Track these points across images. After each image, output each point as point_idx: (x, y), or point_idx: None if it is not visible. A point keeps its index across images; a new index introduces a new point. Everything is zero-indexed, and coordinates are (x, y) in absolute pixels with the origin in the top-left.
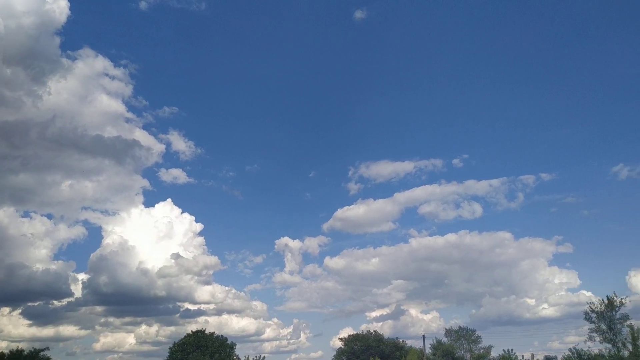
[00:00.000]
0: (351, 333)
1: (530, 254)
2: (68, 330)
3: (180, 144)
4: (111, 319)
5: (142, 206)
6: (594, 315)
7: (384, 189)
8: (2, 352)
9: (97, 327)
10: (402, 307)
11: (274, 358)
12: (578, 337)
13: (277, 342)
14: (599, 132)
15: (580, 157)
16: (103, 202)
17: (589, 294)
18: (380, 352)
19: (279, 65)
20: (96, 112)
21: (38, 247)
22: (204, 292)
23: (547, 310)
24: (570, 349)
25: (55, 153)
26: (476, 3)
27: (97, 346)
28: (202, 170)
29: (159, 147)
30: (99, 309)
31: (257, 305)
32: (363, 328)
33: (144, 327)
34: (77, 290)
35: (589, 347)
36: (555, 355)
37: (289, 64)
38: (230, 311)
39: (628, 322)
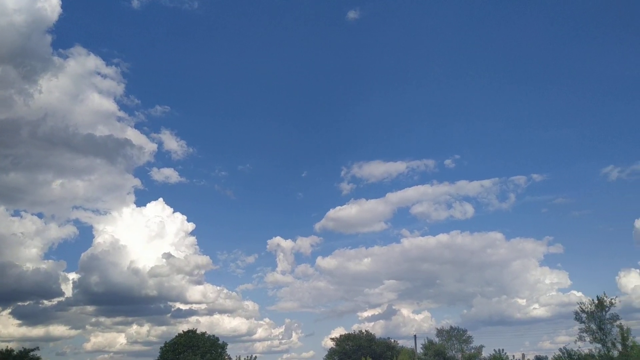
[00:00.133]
0: (343, 333)
1: (521, 255)
2: (58, 330)
3: (172, 143)
4: (102, 319)
5: (134, 205)
6: (584, 315)
7: (376, 189)
8: None
9: (87, 326)
10: (393, 307)
11: (266, 358)
12: (568, 337)
13: (269, 342)
14: (589, 134)
15: (571, 158)
16: (94, 201)
17: (579, 294)
18: (371, 352)
19: (272, 65)
20: (88, 111)
21: (28, 246)
22: (196, 292)
23: (537, 311)
24: (560, 349)
25: (46, 152)
26: (468, 5)
27: (88, 346)
28: (194, 169)
29: (151, 146)
30: (89, 308)
31: (249, 305)
32: (355, 328)
33: (135, 327)
34: (68, 290)
35: (579, 347)
36: (546, 355)
37: (282, 64)
38: (222, 311)
39: (618, 322)
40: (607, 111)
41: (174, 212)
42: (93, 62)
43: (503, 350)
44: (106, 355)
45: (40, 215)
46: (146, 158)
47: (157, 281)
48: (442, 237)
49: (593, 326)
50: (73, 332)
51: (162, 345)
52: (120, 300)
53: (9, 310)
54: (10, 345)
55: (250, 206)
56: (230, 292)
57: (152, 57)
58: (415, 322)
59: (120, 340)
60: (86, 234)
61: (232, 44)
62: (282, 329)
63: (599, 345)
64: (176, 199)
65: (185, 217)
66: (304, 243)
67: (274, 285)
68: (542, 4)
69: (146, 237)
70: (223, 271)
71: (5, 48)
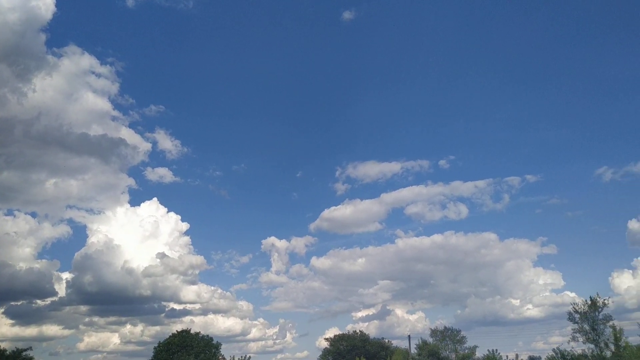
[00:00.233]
0: (337, 333)
1: (515, 255)
2: (51, 329)
3: (167, 142)
4: (95, 319)
5: (128, 205)
6: (577, 315)
7: (371, 190)
8: None
9: (81, 326)
10: (387, 307)
11: (260, 358)
12: (562, 338)
13: (263, 342)
14: (583, 135)
15: (564, 159)
16: (88, 200)
17: (572, 294)
18: (365, 352)
19: (267, 65)
20: (82, 110)
21: (22, 246)
22: (190, 292)
23: (531, 311)
24: (554, 349)
25: (40, 151)
26: (462, 7)
27: (81, 346)
28: (189, 169)
29: (145, 146)
30: (83, 308)
31: (243, 305)
32: (349, 328)
33: (128, 326)
34: (61, 290)
35: (572, 348)
36: (539, 356)
37: (277, 64)
38: (216, 311)
39: (610, 323)
40: (601, 113)
41: (168, 211)
42: (87, 61)
43: (497, 350)
44: (99, 355)
45: (33, 215)
46: (140, 157)
47: (151, 281)
48: (437, 238)
49: (586, 327)
50: (66, 332)
51: (156, 345)
52: (114, 300)
53: (2, 310)
54: (3, 345)
55: (244, 206)
56: (224, 292)
57: (146, 57)
58: (410, 322)
59: (113, 340)
60: (80, 233)
61: (227, 43)
62: (276, 329)
63: (592, 346)
64: (170, 199)
65: (179, 217)
66: (299, 243)
67: (268, 286)
68: (537, 7)
69: (140, 236)
70: (217, 271)
71: None
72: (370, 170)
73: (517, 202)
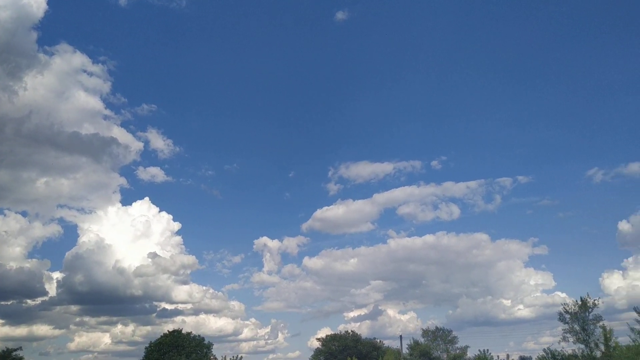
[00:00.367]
0: (329, 333)
1: (507, 256)
2: (42, 329)
3: (159, 142)
4: (86, 319)
5: (119, 204)
6: (567, 316)
7: (363, 190)
8: None
9: (71, 326)
10: (379, 308)
11: (252, 358)
12: (552, 338)
13: (255, 342)
14: (574, 136)
15: (556, 160)
16: (79, 200)
17: (563, 295)
18: (357, 352)
19: (260, 65)
20: (73, 109)
21: (12, 245)
22: (181, 292)
23: (522, 311)
24: (544, 350)
25: (30, 150)
26: (455, 7)
27: (72, 346)
28: (181, 168)
29: (137, 145)
30: (73, 308)
31: (235, 305)
32: (341, 328)
33: (119, 326)
34: (52, 289)
35: (563, 348)
36: (530, 356)
37: (269, 64)
38: (208, 311)
39: (601, 323)
40: (592, 114)
41: (159, 211)
42: (79, 59)
43: (488, 350)
44: (90, 355)
45: (24, 214)
46: (132, 157)
47: (143, 281)
48: (428, 238)
49: (576, 327)
50: (57, 332)
51: (147, 345)
52: (105, 299)
53: None
54: None
55: (236, 206)
56: (216, 292)
57: (139, 55)
58: (401, 322)
59: (104, 340)
60: (71, 232)
61: (220, 43)
62: (268, 329)
63: (582, 346)
64: (162, 198)
65: (171, 217)
66: (291, 243)
67: (260, 286)
68: (535, 8)
69: (132, 236)
70: (209, 271)
71: None
72: (363, 170)
73: (508, 203)
